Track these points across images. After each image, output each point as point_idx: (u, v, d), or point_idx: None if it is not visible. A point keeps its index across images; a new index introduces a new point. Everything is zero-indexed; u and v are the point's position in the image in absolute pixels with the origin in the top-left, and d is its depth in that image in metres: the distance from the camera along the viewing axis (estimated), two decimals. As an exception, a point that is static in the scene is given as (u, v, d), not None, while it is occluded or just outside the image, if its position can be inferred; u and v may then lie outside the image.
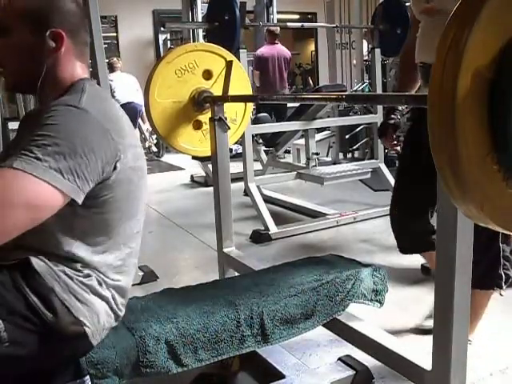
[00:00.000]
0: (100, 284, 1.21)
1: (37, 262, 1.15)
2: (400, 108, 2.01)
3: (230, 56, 2.10)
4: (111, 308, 1.24)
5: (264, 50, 6.18)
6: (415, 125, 1.95)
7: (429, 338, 1.31)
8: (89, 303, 1.18)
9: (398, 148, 2.03)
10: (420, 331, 2.08)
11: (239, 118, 2.17)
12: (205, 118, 2.09)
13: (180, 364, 1.32)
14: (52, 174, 1.02)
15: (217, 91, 2.05)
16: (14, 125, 6.37)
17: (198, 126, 2.12)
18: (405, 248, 2.13)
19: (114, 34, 8.55)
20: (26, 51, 1.17)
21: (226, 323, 1.38)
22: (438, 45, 0.80)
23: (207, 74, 2.08)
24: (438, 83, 0.79)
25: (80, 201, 1.08)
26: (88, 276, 1.19)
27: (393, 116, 1.99)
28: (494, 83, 0.79)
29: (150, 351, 1.27)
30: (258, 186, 3.81)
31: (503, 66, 0.78)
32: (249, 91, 2.22)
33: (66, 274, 1.16)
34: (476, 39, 0.75)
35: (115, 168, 1.15)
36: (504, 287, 1.83)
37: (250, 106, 2.28)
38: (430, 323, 1.32)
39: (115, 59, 6.99)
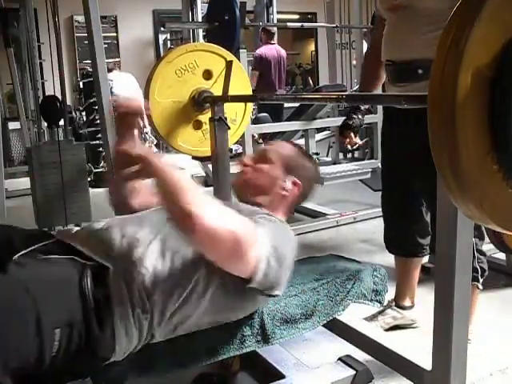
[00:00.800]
0: (150, 327, 1.20)
1: (114, 278, 1.16)
2: (362, 108, 2.01)
3: (229, 56, 2.10)
4: (134, 348, 1.22)
5: (265, 51, 6.17)
6: (397, 125, 1.93)
7: (429, 338, 1.31)
8: (130, 337, 1.17)
9: (349, 146, 2.05)
10: (420, 331, 2.08)
11: (239, 118, 2.17)
12: (205, 118, 2.09)
13: (181, 364, 1.32)
14: (264, 253, 1.18)
15: (217, 91, 2.05)
16: (14, 125, 6.37)
17: (198, 126, 2.12)
18: (392, 248, 2.15)
19: (114, 34, 8.55)
20: (273, 179, 1.51)
21: (226, 323, 1.37)
22: (438, 44, 0.79)
23: (207, 74, 2.08)
24: (438, 82, 0.79)
25: (250, 286, 1.20)
26: (145, 313, 1.18)
27: (354, 116, 1.99)
28: (495, 82, 0.79)
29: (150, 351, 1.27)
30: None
31: (504, 64, 0.78)
32: (249, 91, 2.22)
33: (131, 302, 1.16)
34: (476, 38, 0.75)
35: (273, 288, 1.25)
36: (481, 280, 1.84)
37: (250, 106, 2.28)
38: (430, 322, 1.32)
39: (111, 65, 6.97)
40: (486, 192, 0.84)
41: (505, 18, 0.78)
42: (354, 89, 5.82)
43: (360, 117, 2.01)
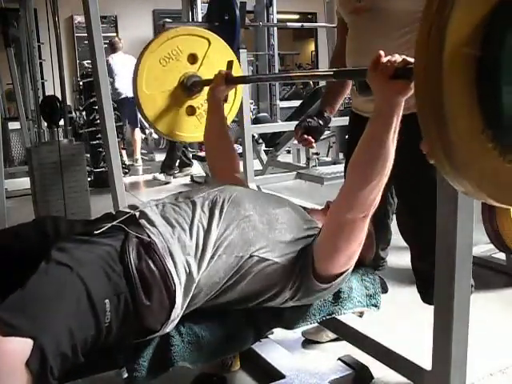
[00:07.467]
0: (194, 298, 1.26)
1: (158, 251, 1.21)
2: (326, 115, 1.90)
3: (211, 36, 2.08)
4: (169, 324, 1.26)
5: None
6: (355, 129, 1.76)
7: (429, 338, 1.31)
8: (177, 308, 1.22)
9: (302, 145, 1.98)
10: (420, 331, 2.07)
11: (231, 98, 2.13)
12: (196, 102, 2.05)
13: (190, 360, 1.30)
14: None
15: (204, 74, 2.02)
16: (14, 125, 6.37)
17: (191, 111, 2.07)
18: None
19: (114, 34, 8.55)
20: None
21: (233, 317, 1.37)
22: (419, 29, 0.78)
23: (192, 58, 2.02)
24: (423, 66, 0.78)
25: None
26: (191, 285, 1.23)
27: (309, 120, 1.87)
28: (480, 60, 0.78)
29: (174, 344, 1.27)
30: (258, 186, 3.81)
31: (487, 41, 0.77)
32: (238, 73, 2.16)
33: (177, 275, 1.21)
34: (457, 17, 0.74)
35: None
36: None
37: (241, 87, 2.24)
38: (430, 322, 1.32)
39: (116, 39, 6.91)
40: (483, 170, 0.83)
41: None
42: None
43: (320, 122, 1.88)
